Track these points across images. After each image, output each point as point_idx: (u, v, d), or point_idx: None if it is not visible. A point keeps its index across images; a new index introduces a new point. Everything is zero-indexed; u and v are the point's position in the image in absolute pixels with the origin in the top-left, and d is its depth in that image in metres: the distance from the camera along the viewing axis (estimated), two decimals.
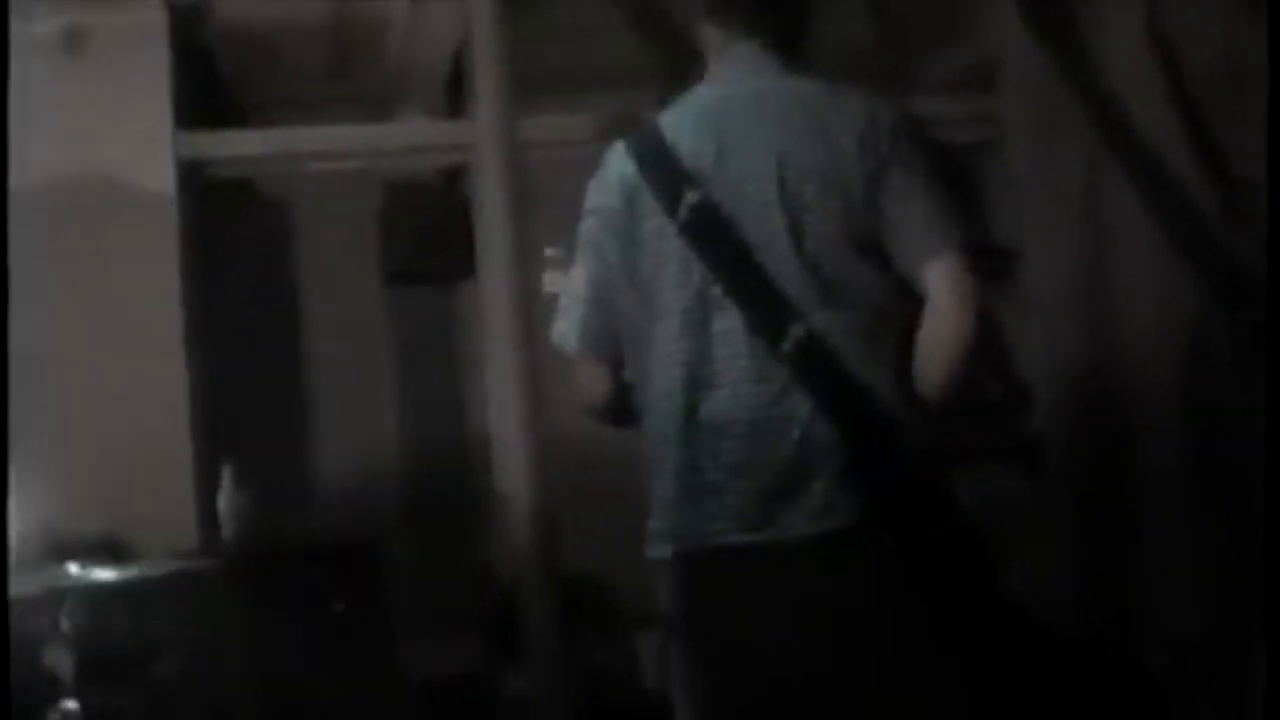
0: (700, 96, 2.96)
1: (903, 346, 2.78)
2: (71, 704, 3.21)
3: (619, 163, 2.96)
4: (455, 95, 6.88)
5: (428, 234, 7.11)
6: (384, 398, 7.25)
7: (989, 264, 3.52)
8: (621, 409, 3.00)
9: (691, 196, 2.81)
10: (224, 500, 5.46)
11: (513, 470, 5.77)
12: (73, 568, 3.44)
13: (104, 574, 3.44)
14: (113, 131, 6.09)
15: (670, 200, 2.83)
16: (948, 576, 2.74)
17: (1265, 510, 2.91)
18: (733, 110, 2.88)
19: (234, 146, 6.66)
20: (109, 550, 5.16)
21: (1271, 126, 3.29)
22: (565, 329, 3.01)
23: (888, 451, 2.72)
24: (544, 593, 5.67)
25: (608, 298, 2.94)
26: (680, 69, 3.31)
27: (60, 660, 3.25)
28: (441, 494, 7.01)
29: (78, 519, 5.41)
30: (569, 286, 3.00)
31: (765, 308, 2.75)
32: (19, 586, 3.60)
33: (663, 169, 2.86)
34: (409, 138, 6.98)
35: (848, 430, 2.71)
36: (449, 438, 7.17)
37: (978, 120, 5.47)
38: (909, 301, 2.80)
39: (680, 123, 2.91)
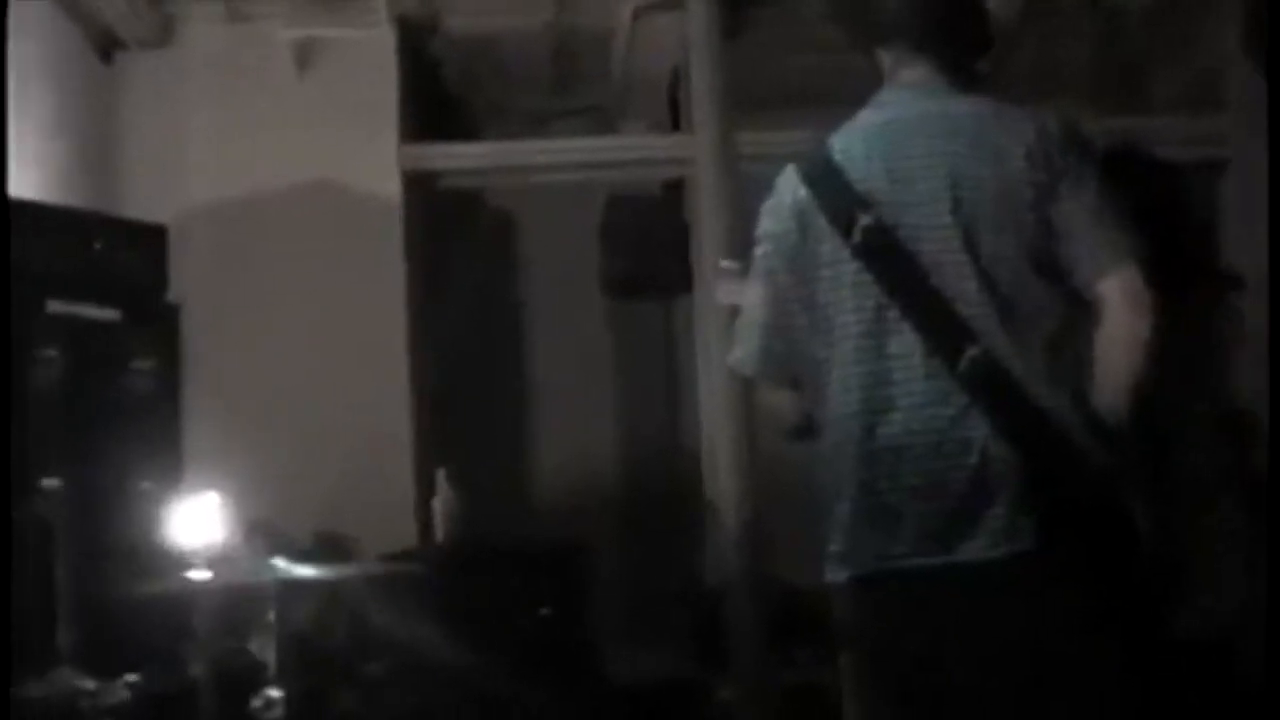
0: (869, 119, 2.94)
1: (1084, 365, 2.76)
2: (275, 692, 3.33)
3: (790, 187, 2.96)
4: (676, 109, 6.96)
5: (647, 246, 7.18)
6: (601, 406, 7.34)
7: (1211, 286, 3.46)
8: (809, 429, 3.01)
9: (865, 219, 2.80)
10: (439, 503, 5.58)
11: (724, 482, 5.81)
12: (281, 562, 3.57)
13: (314, 570, 3.56)
14: (341, 143, 6.28)
15: (844, 224, 2.82)
16: (1127, 604, 2.71)
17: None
18: (902, 132, 2.86)
19: (459, 159, 6.82)
20: (329, 549, 5.32)
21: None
22: (742, 355, 3.02)
23: (1068, 473, 2.69)
24: (752, 604, 5.69)
25: (784, 323, 2.94)
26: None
27: (265, 649, 3.38)
28: (654, 502, 7.07)
29: (300, 518, 5.57)
30: (745, 311, 3.02)
31: (942, 329, 2.72)
32: (233, 576, 3.75)
33: (835, 192, 2.86)
34: (631, 150, 7.05)
35: (1027, 452, 2.67)
36: (663, 447, 7.23)
37: (1205, 140, 5.38)
38: (1088, 319, 2.77)
39: (850, 145, 2.90)
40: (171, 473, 4.62)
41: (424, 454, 6.28)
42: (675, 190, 7.11)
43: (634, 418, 7.37)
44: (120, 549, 4.11)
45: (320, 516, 5.66)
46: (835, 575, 2.86)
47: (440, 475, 5.63)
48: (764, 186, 3.06)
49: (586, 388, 7.27)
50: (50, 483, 4.23)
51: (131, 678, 3.38)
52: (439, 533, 5.57)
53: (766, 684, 5.67)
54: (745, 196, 5.81)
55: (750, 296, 3.00)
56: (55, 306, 4.37)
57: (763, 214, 3.01)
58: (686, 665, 6.25)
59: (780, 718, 5.66)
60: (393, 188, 6.40)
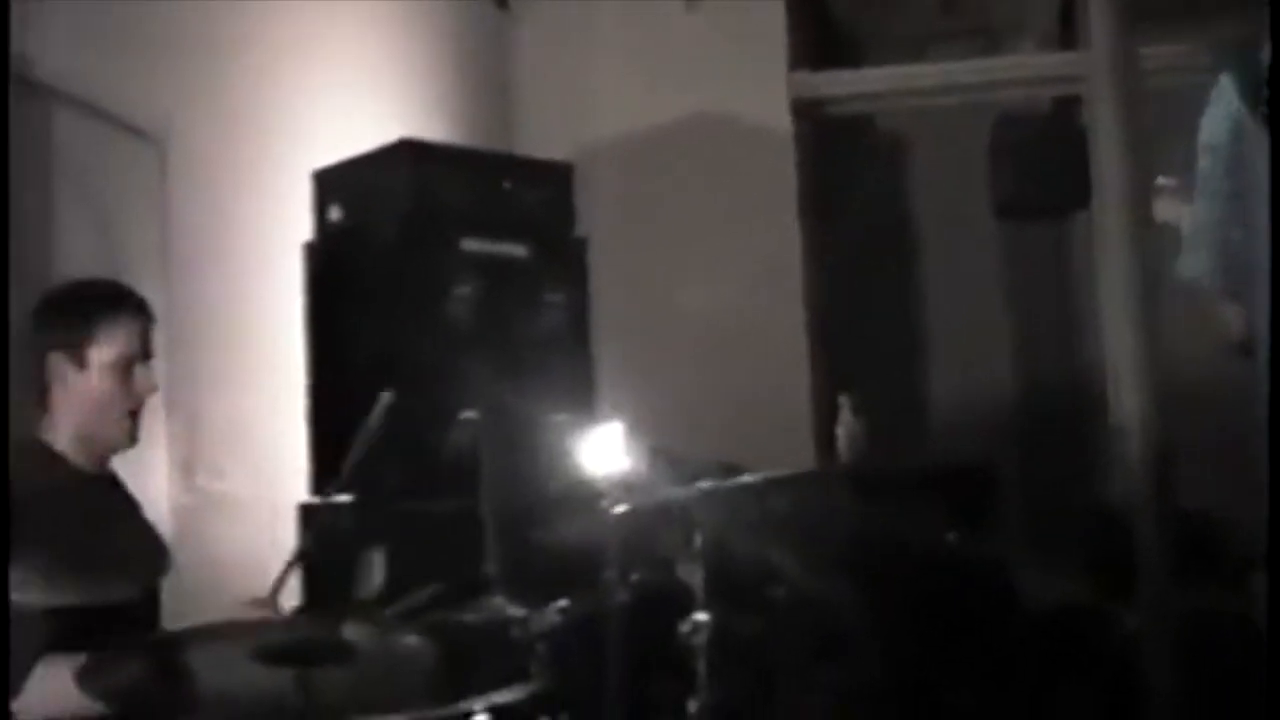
0: None
1: None
2: (702, 616, 3.33)
3: (1226, 99, 2.83)
4: (1067, 25, 6.73)
5: (1040, 165, 6.96)
6: (997, 329, 7.19)
7: None
8: (1250, 347, 2.87)
9: None
10: (842, 428, 5.52)
11: (1128, 403, 5.60)
12: (705, 485, 3.56)
13: (734, 494, 3.55)
14: (731, 74, 6.27)
15: None
16: None
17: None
18: None
19: (846, 85, 6.74)
20: (731, 476, 5.32)
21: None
22: (1190, 263, 2.91)
23: None
24: (1157, 529, 5.48)
25: (1224, 235, 2.82)
26: None
27: (693, 575, 3.38)
28: (1054, 425, 6.89)
29: (701, 445, 5.60)
30: (1191, 222, 2.89)
31: None
32: (652, 503, 3.76)
33: (1271, 103, 2.72)
34: (1021, 70, 6.86)
35: None
36: (1062, 369, 7.04)
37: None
38: None
39: None
40: (583, 404, 4.67)
41: (821, 380, 6.24)
42: (1067, 105, 6.88)
43: (1029, 338, 7.18)
44: (539, 478, 4.17)
45: (720, 443, 5.67)
46: None
47: (843, 400, 5.56)
48: (1166, 101, 2.93)
49: (983, 310, 7.11)
50: (468, 415, 4.32)
51: (560, 604, 3.41)
52: (842, 457, 5.51)
53: (1171, 613, 5.46)
54: (1148, 112, 5.58)
55: (1195, 207, 2.86)
56: (469, 244, 4.45)
57: (1202, 125, 2.87)
58: (1088, 592, 6.06)
59: (1185, 648, 5.45)
60: (783, 116, 6.35)
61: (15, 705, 2.75)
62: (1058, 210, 6.99)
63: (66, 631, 2.80)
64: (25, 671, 2.77)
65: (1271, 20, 3.33)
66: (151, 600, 3.26)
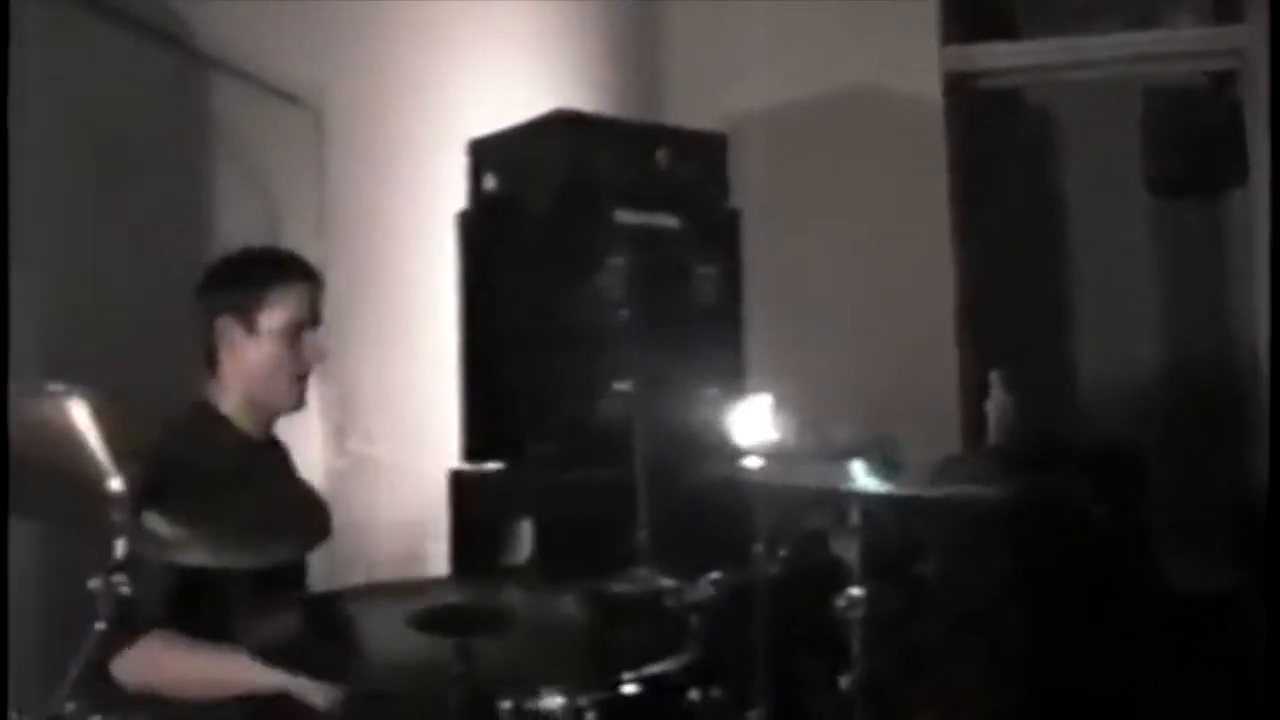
0: None
1: None
2: (857, 591, 3.29)
3: None
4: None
5: (1194, 141, 6.82)
6: (1147, 306, 7.05)
7: None
8: None
9: None
10: (992, 405, 5.45)
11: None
12: (859, 465, 3.51)
13: (888, 473, 3.50)
14: (883, 46, 6.20)
15: None
16: None
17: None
18: None
19: (999, 58, 6.64)
20: (880, 450, 5.26)
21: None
22: None
23: None
24: None
25: None
26: None
27: (849, 550, 3.34)
28: (1205, 405, 6.75)
29: (848, 419, 5.55)
30: None
31: None
32: (811, 479, 3.73)
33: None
34: (1175, 44, 6.72)
35: None
36: (1214, 349, 6.90)
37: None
38: None
39: None
40: (734, 376, 4.64)
41: (969, 355, 6.16)
42: (1222, 80, 6.73)
43: (1180, 317, 7.04)
44: (689, 450, 4.14)
45: (867, 418, 5.62)
46: None
47: (994, 377, 5.48)
48: None
49: (1134, 287, 6.98)
50: (621, 386, 4.30)
51: (713, 576, 3.39)
52: (992, 435, 5.44)
53: None
54: None
55: None
56: (622, 215, 4.42)
57: None
58: (1231, 576, 5.94)
59: None
60: (934, 89, 6.27)
61: (114, 666, 2.77)
62: (1212, 187, 6.84)
63: (215, 591, 2.82)
64: (139, 634, 2.80)
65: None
66: (300, 563, 3.28)
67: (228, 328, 3.20)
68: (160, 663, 2.86)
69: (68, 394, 2.24)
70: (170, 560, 2.47)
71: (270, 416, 3.29)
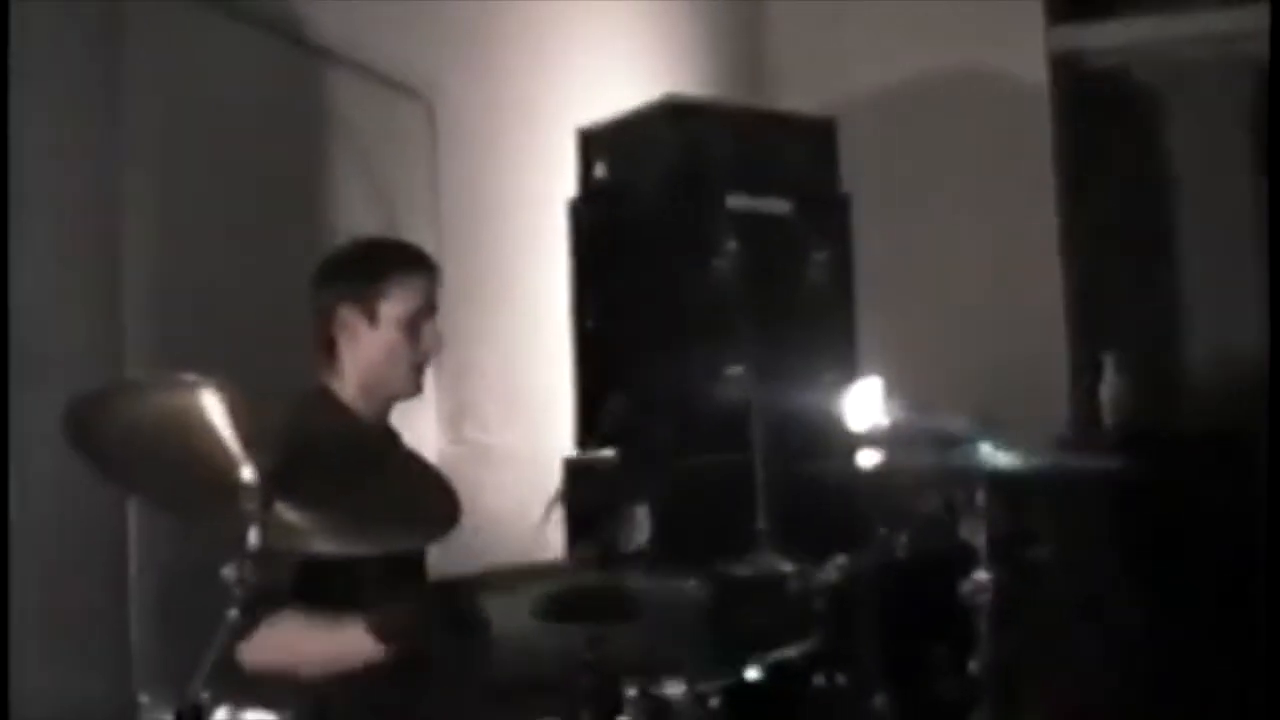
0: None
1: None
2: (983, 575, 3.22)
3: None
4: None
5: None
6: (1257, 288, 6.90)
7: None
8: None
9: None
10: (1105, 388, 5.37)
11: None
12: (986, 449, 3.44)
13: (1008, 458, 3.43)
14: (985, 28, 6.12)
15: None
16: None
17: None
18: None
19: (1105, 37, 6.53)
20: (989, 431, 5.19)
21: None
22: None
23: None
24: None
25: None
26: None
27: (975, 534, 3.28)
28: None
29: (958, 403, 5.48)
30: None
31: None
32: (936, 462, 3.67)
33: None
34: None
35: None
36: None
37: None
38: None
39: None
40: (846, 359, 4.59)
41: (1079, 338, 6.06)
42: None
43: None
44: (804, 434, 4.10)
45: (977, 401, 5.55)
46: None
47: (1107, 360, 5.40)
48: None
49: (1243, 267, 6.84)
50: (735, 370, 4.27)
51: (838, 560, 3.34)
52: (1105, 417, 5.35)
53: None
54: None
55: None
56: (734, 201, 4.38)
57: None
58: None
59: None
60: (1040, 70, 6.18)
61: (243, 650, 2.76)
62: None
63: (342, 579, 2.82)
64: (265, 616, 2.79)
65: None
66: (421, 551, 3.27)
67: (348, 317, 3.20)
68: (283, 642, 2.85)
69: (199, 385, 2.23)
70: (300, 549, 2.45)
71: (387, 404, 3.29)
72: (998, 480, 3.47)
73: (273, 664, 2.84)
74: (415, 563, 3.27)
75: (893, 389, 4.18)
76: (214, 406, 2.24)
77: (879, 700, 3.12)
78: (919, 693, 3.24)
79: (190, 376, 2.23)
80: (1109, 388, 5.36)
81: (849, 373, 4.45)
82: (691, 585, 3.04)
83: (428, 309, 3.27)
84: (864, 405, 4.09)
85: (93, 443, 2.26)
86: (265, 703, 2.49)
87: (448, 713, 2.82)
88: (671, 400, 4.26)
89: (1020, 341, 5.83)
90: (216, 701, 2.27)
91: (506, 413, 4.54)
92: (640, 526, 4.18)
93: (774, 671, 3.05)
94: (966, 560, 3.23)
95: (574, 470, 4.43)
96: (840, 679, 3.11)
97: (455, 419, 4.35)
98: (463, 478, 4.20)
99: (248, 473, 2.28)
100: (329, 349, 3.23)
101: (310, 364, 3.25)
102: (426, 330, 3.26)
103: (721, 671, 2.96)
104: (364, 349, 3.21)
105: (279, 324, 3.43)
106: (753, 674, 3.03)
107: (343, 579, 2.82)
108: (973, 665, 3.17)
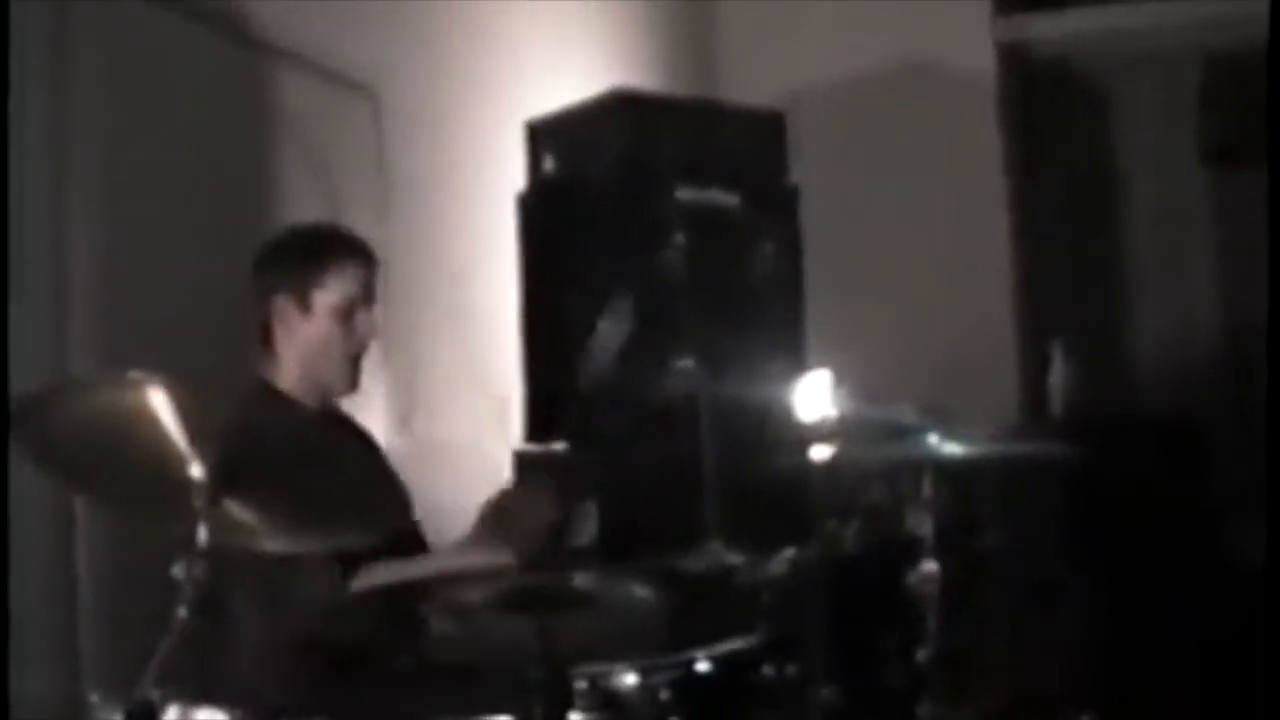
0: None
1: None
2: (931, 565, 3.25)
3: None
4: None
5: (1252, 109, 6.72)
6: (1203, 278, 6.97)
7: None
8: None
9: None
10: (1054, 377, 5.41)
11: None
12: (934, 439, 3.47)
13: (955, 448, 3.46)
14: (932, 20, 6.15)
15: None
16: None
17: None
18: None
19: (1052, 27, 6.57)
20: (937, 421, 5.22)
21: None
22: None
23: None
24: None
25: None
26: None
27: (922, 524, 3.30)
28: (1261, 377, 6.67)
29: (906, 393, 5.51)
30: None
31: None
32: (884, 453, 3.69)
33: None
34: (1234, 10, 6.63)
35: None
36: (1271, 320, 6.81)
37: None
38: None
39: None
40: (795, 351, 4.61)
41: (1027, 328, 6.11)
42: None
43: (1240, 288, 6.94)
44: (752, 426, 4.12)
45: (925, 391, 5.58)
46: None
47: (1055, 348, 5.45)
48: None
49: (1189, 258, 6.90)
50: (684, 363, 4.29)
51: (787, 552, 3.36)
52: (1054, 406, 5.40)
53: None
54: None
55: None
56: (683, 194, 4.40)
57: None
58: None
59: None
60: (988, 60, 6.23)
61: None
62: (1269, 156, 6.74)
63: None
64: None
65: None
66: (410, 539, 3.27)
67: (283, 306, 3.20)
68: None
69: (145, 382, 2.23)
70: (247, 547, 2.45)
71: (326, 396, 3.28)
72: (945, 470, 3.51)
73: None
74: (415, 539, 3.29)
75: (841, 380, 4.20)
76: (160, 403, 2.24)
77: (828, 691, 3.14)
78: (868, 683, 3.27)
79: (136, 374, 2.23)
80: (1057, 376, 5.41)
81: (798, 364, 4.48)
82: (640, 580, 3.06)
83: (364, 299, 3.25)
84: (813, 397, 4.11)
85: (39, 442, 2.26)
86: (216, 701, 2.50)
87: (397, 707, 2.83)
88: (621, 393, 4.27)
89: (969, 331, 5.87)
90: (166, 700, 2.28)
91: (456, 407, 4.55)
92: (589, 521, 4.20)
93: (723, 663, 3.07)
94: (914, 550, 3.26)
95: (525, 463, 4.45)
96: (789, 670, 3.13)
97: (405, 414, 4.36)
98: (413, 473, 4.24)
99: (195, 470, 2.28)
100: (267, 339, 3.23)
101: (250, 356, 3.25)
102: (361, 320, 3.24)
103: (670, 664, 2.98)
104: (298, 339, 3.20)
105: (226, 320, 3.43)
106: (702, 666, 3.05)
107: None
108: (920, 655, 3.20)
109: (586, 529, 4.20)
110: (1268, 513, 2.81)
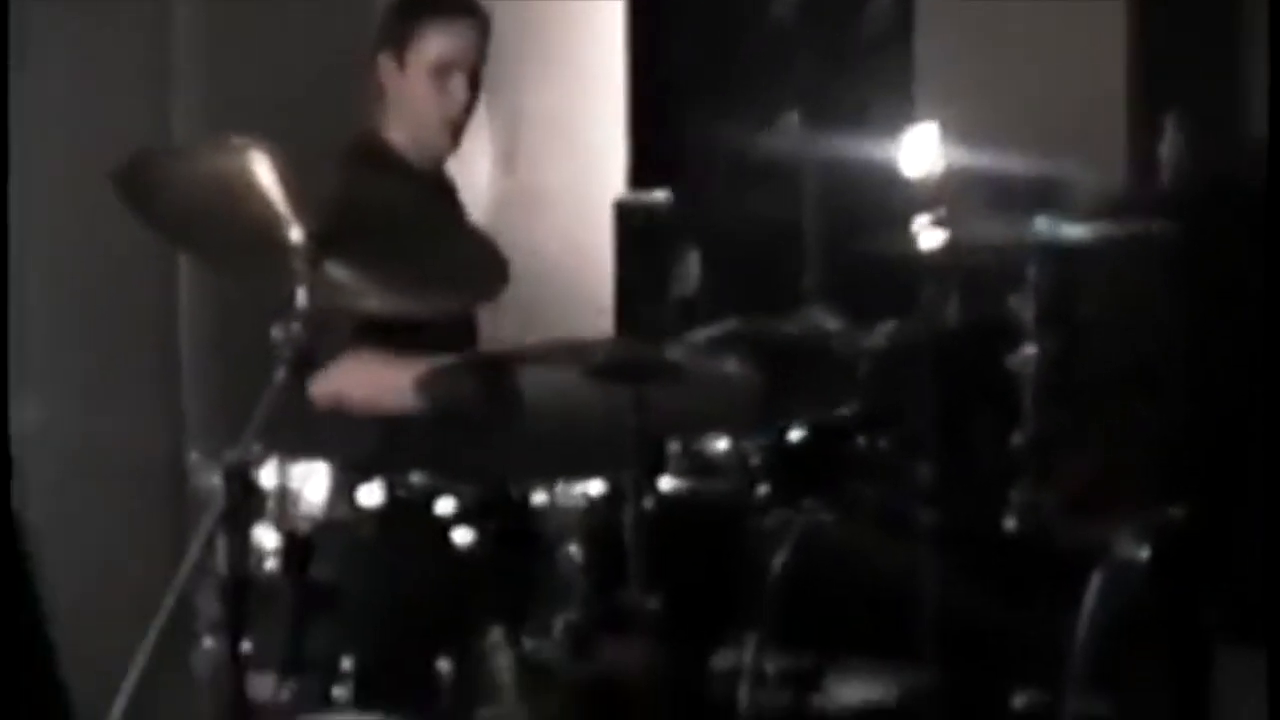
0: None
1: None
2: (1031, 348, 3.18)
3: None
4: None
5: None
6: None
7: None
8: None
9: None
10: (1166, 147, 5.26)
11: None
12: (1042, 222, 3.37)
13: (1064, 230, 3.36)
14: None
15: None
16: None
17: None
18: None
19: None
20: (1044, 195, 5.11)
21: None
22: None
23: None
24: None
25: None
26: None
27: (1025, 306, 3.23)
28: None
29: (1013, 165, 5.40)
30: None
31: None
32: (990, 233, 3.60)
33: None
34: None
35: None
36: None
37: None
38: None
39: None
40: (903, 104, 4.51)
41: (1140, 94, 5.94)
42: None
43: None
44: (860, 187, 4.05)
45: (1036, 148, 5.47)
46: None
47: (1168, 118, 5.28)
48: None
49: None
50: (789, 115, 4.22)
51: (887, 326, 3.30)
52: (1164, 176, 5.26)
53: None
54: None
55: None
56: None
57: None
58: None
59: None
60: None
61: (316, 385, 2.80)
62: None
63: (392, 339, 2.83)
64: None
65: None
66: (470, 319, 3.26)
67: (385, 64, 3.15)
68: (355, 375, 2.88)
69: (248, 146, 2.21)
70: (348, 308, 2.46)
71: (432, 157, 3.24)
72: (1051, 252, 3.42)
73: (341, 396, 2.87)
74: (467, 328, 3.27)
75: (949, 134, 4.10)
76: (263, 167, 2.23)
77: (921, 467, 3.12)
78: (961, 461, 3.24)
79: (239, 139, 2.22)
80: (1169, 146, 5.25)
81: (906, 117, 4.37)
82: (736, 346, 3.04)
83: (462, 60, 3.17)
84: (920, 151, 4.02)
85: (144, 201, 2.26)
86: (315, 452, 2.53)
87: (492, 466, 2.85)
88: (728, 144, 4.22)
89: (1081, 91, 5.70)
90: (267, 453, 2.31)
91: (560, 153, 4.51)
92: (690, 272, 4.17)
93: (816, 432, 3.06)
94: (1014, 332, 3.20)
95: (625, 212, 4.41)
96: (882, 442, 3.11)
97: (509, 160, 4.32)
98: (514, 218, 4.23)
99: (295, 233, 2.27)
100: (380, 96, 3.20)
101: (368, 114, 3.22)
102: (455, 83, 3.16)
103: (764, 430, 2.98)
104: (397, 98, 3.16)
105: (336, 86, 3.38)
106: (795, 434, 3.04)
107: (397, 343, 2.84)
108: (1016, 438, 3.16)
109: (690, 278, 4.18)
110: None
